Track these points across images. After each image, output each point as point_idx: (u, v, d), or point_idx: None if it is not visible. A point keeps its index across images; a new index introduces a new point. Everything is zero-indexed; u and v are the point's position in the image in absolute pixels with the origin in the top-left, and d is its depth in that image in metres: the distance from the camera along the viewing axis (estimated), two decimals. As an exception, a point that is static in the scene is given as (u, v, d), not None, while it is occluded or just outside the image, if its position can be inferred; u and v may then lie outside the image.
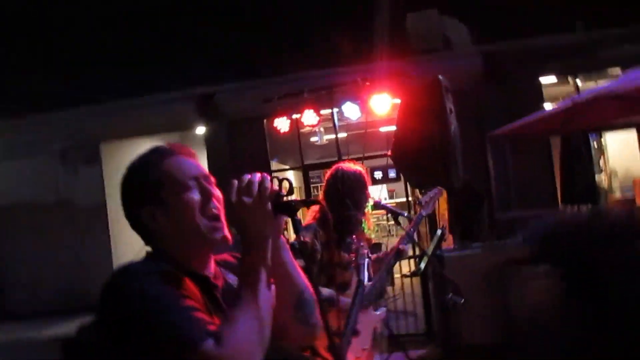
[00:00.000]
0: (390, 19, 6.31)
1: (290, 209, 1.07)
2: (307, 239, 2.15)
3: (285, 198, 1.08)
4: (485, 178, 4.76)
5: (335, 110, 4.25)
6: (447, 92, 2.80)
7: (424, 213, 2.34)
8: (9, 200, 8.39)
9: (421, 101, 2.84)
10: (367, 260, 2.01)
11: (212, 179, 1.19)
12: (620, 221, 4.17)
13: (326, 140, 7.24)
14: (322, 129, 7.06)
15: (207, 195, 1.13)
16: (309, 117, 4.23)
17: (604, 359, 3.21)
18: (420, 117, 2.77)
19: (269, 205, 1.05)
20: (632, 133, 7.10)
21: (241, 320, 1.00)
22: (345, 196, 2.22)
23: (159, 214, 1.11)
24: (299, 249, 1.18)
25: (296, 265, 1.18)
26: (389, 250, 2.35)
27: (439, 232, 2.53)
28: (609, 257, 3.63)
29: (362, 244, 2.11)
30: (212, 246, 1.15)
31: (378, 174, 9.37)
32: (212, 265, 1.18)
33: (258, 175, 1.07)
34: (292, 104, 4.47)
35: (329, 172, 2.40)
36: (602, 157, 8.39)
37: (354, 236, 2.21)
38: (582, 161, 5.42)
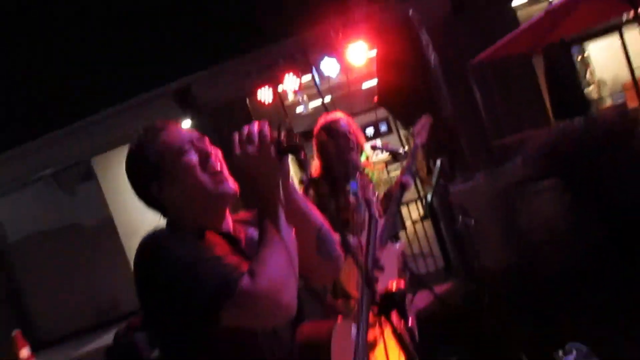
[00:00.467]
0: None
1: (294, 149, 1.09)
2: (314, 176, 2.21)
3: (286, 141, 1.10)
4: (474, 109, 4.76)
5: (315, 74, 4.23)
6: (421, 26, 2.79)
7: (418, 142, 2.36)
8: (19, 234, 8.43)
9: (397, 42, 2.84)
10: (374, 199, 2.05)
11: (207, 139, 1.22)
12: (612, 125, 4.22)
13: (311, 108, 7.22)
14: (305, 98, 7.04)
15: (204, 154, 1.17)
16: (290, 82, 4.22)
17: (615, 262, 3.29)
18: (399, 56, 2.78)
19: (272, 150, 1.07)
20: (614, 38, 7.03)
21: (270, 255, 1.04)
22: (336, 143, 2.25)
23: (166, 185, 1.15)
24: (309, 184, 1.21)
25: (309, 204, 1.22)
26: (393, 185, 2.38)
27: (438, 162, 2.56)
28: (607, 161, 3.68)
29: (366, 181, 2.14)
30: (222, 201, 1.18)
31: (370, 131, 9.36)
32: (230, 222, 1.22)
33: (256, 124, 1.10)
34: (271, 76, 4.44)
35: (315, 130, 2.43)
36: (587, 69, 8.36)
37: (357, 176, 2.23)
38: (568, 73, 5.40)
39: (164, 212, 1.19)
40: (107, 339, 4.49)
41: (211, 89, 6.38)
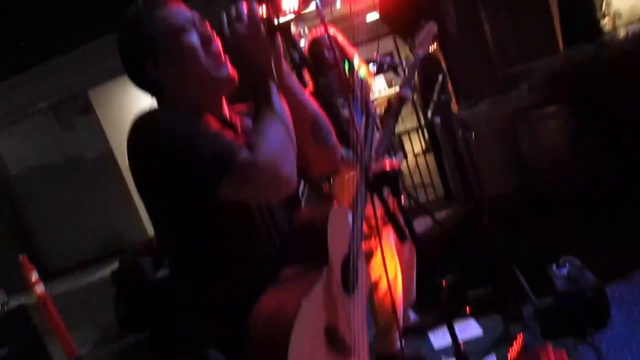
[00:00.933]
0: None
1: (283, 28, 1.07)
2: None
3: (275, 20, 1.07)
4: (482, 37, 4.58)
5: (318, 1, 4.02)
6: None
7: (420, 53, 2.26)
8: (21, 167, 8.48)
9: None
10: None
11: (208, 23, 1.16)
12: (630, 48, 4.06)
13: (313, 39, 7.00)
14: (306, 30, 6.80)
15: (206, 35, 1.11)
16: (289, 1, 4.02)
17: (619, 187, 3.27)
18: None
19: (262, 28, 1.04)
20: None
21: (267, 128, 1.02)
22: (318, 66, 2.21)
23: (163, 62, 1.09)
24: (302, 61, 1.17)
25: (304, 91, 1.19)
26: (393, 99, 2.32)
27: (440, 77, 2.48)
28: (622, 84, 3.57)
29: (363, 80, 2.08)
30: (222, 85, 1.13)
31: (372, 67, 9.13)
32: (227, 109, 1.18)
33: (244, 2, 1.05)
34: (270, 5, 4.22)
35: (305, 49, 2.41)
36: (603, 1, 8.01)
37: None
38: (582, 1, 5.14)
39: (158, 93, 1.13)
40: (112, 267, 4.63)
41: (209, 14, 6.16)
